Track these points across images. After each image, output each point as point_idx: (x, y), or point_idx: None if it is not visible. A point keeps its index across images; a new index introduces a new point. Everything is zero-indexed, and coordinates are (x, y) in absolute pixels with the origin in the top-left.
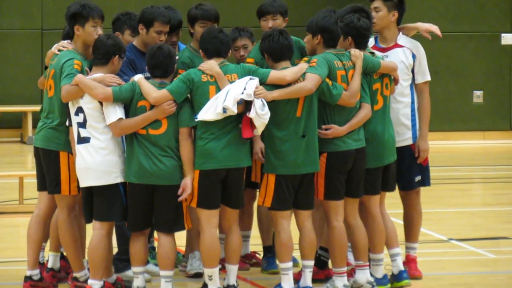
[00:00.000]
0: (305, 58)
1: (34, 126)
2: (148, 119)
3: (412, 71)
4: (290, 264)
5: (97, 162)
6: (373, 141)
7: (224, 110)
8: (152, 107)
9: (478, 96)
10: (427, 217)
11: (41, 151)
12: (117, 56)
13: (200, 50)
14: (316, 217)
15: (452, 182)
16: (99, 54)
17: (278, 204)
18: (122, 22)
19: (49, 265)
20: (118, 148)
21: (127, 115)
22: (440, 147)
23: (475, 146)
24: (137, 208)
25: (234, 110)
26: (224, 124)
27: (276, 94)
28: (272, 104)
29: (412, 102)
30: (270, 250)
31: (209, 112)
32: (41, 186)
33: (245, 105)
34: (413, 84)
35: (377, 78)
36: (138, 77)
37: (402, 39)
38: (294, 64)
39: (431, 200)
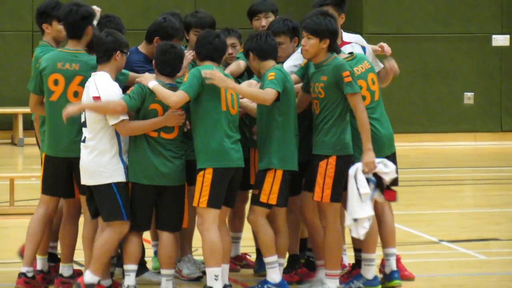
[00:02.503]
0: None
1: (25, 128)
2: (158, 124)
3: None
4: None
5: (89, 162)
6: None
7: (355, 219)
8: (165, 111)
9: (469, 97)
10: (418, 218)
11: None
12: (118, 51)
13: (194, 52)
14: (292, 219)
15: (442, 183)
16: (100, 52)
17: (283, 200)
18: (103, 26)
19: (38, 268)
20: (111, 148)
21: (137, 117)
22: (431, 148)
23: (466, 147)
24: (145, 208)
25: (366, 214)
26: (235, 125)
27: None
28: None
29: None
30: None
31: (348, 219)
32: (52, 191)
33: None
34: None
35: (360, 74)
36: (153, 84)
37: (345, 36)
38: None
39: (421, 202)
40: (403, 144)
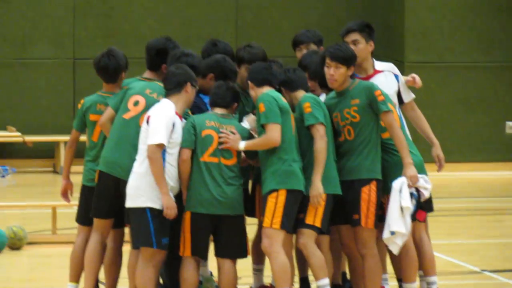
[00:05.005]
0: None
1: None
2: (163, 191)
3: (398, 93)
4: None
5: (130, 184)
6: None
7: (392, 233)
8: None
9: (510, 126)
10: (459, 248)
11: None
12: (189, 83)
13: (249, 82)
14: (334, 248)
15: (484, 213)
16: (171, 84)
17: (326, 224)
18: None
19: None
20: (150, 175)
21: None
22: (472, 177)
23: (508, 177)
24: (201, 236)
25: (402, 230)
26: (299, 150)
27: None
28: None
29: (402, 126)
30: (305, 281)
31: (385, 231)
32: (104, 213)
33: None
34: (399, 107)
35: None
36: (243, 144)
37: (377, 64)
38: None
39: (463, 231)
40: (444, 173)
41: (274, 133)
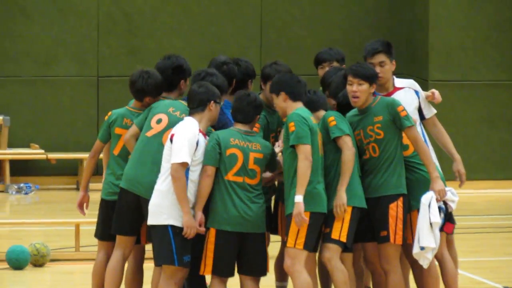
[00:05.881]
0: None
1: None
2: (184, 207)
3: (420, 109)
4: None
5: (151, 202)
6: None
7: (422, 248)
8: (244, 154)
9: None
10: (483, 265)
11: None
12: (212, 102)
13: (282, 93)
14: (356, 267)
15: (507, 230)
16: (194, 103)
17: (351, 239)
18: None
19: None
20: (172, 193)
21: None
22: (495, 195)
23: None
24: (227, 254)
25: (432, 245)
26: (322, 168)
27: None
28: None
29: (425, 141)
30: None
31: (415, 247)
32: (124, 230)
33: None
34: (421, 123)
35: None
36: (300, 198)
37: (397, 81)
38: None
39: (486, 249)
40: (467, 191)
41: (307, 154)
